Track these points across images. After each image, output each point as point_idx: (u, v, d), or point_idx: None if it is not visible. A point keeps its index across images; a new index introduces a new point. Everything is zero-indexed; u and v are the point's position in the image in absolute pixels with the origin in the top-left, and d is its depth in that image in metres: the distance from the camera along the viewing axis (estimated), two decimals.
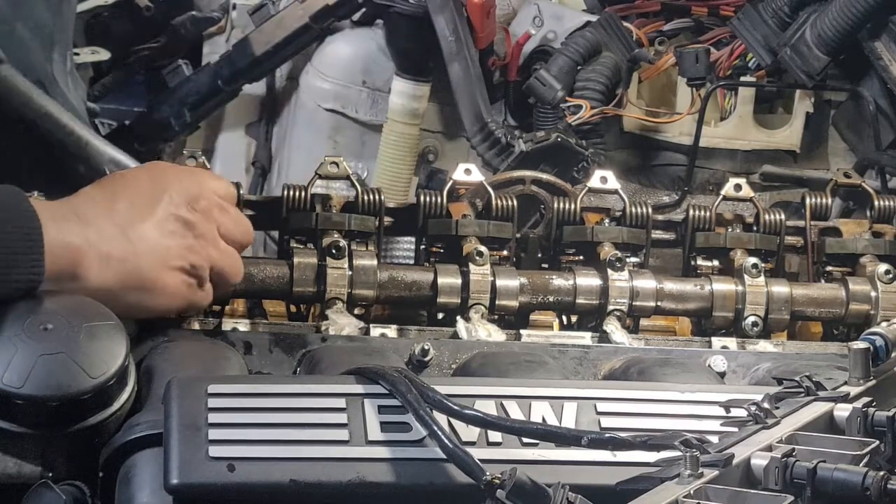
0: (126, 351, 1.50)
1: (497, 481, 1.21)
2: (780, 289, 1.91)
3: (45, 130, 1.93)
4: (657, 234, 2.02)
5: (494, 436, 1.39)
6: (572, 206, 1.97)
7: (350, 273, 1.82)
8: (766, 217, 2.00)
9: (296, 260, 1.82)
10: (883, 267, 1.94)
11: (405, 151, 2.69)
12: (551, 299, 1.89)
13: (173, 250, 1.63)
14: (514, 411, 1.43)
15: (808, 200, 2.05)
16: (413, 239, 2.00)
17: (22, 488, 1.44)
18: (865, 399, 1.43)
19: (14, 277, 1.49)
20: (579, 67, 2.57)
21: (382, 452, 1.37)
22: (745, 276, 1.90)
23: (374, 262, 1.84)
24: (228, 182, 1.78)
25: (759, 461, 1.28)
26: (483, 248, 1.86)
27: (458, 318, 1.83)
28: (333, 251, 1.82)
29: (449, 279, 1.85)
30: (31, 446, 1.46)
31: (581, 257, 1.96)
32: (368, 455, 1.36)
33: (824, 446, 1.31)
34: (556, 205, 1.98)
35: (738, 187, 2.02)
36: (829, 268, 2.01)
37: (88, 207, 1.60)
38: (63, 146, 1.94)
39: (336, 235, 1.85)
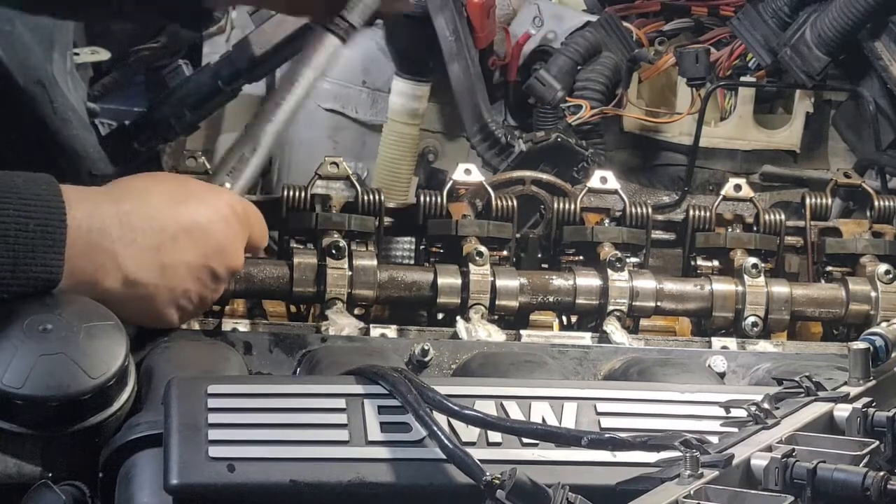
0: (126, 351, 1.50)
1: (497, 481, 1.21)
2: (780, 289, 1.91)
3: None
4: (657, 234, 2.02)
5: (494, 436, 1.39)
6: (572, 206, 1.98)
7: (350, 273, 1.82)
8: (766, 217, 2.01)
9: (296, 260, 1.82)
10: (883, 267, 1.94)
11: (405, 151, 2.69)
12: (551, 299, 1.89)
13: (191, 293, 1.63)
14: (514, 411, 1.43)
15: (808, 200, 2.05)
16: (413, 239, 2.00)
17: (22, 488, 1.43)
18: (865, 399, 1.42)
19: (30, 274, 1.49)
20: (579, 67, 2.58)
21: (382, 453, 1.37)
22: (745, 277, 1.90)
23: (374, 262, 1.84)
24: (267, 229, 1.77)
25: (759, 461, 1.27)
26: (483, 249, 1.86)
27: (458, 318, 1.83)
28: (333, 251, 1.82)
29: (449, 279, 1.85)
30: (31, 446, 1.46)
31: (581, 257, 1.96)
32: (368, 455, 1.36)
33: (824, 447, 1.31)
34: (556, 205, 1.98)
35: (738, 187, 2.02)
36: (829, 268, 2.01)
37: (138, 215, 1.58)
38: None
39: (336, 235, 1.85)
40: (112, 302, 1.55)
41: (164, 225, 1.59)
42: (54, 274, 1.50)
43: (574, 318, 1.93)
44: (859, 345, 1.52)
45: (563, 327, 1.93)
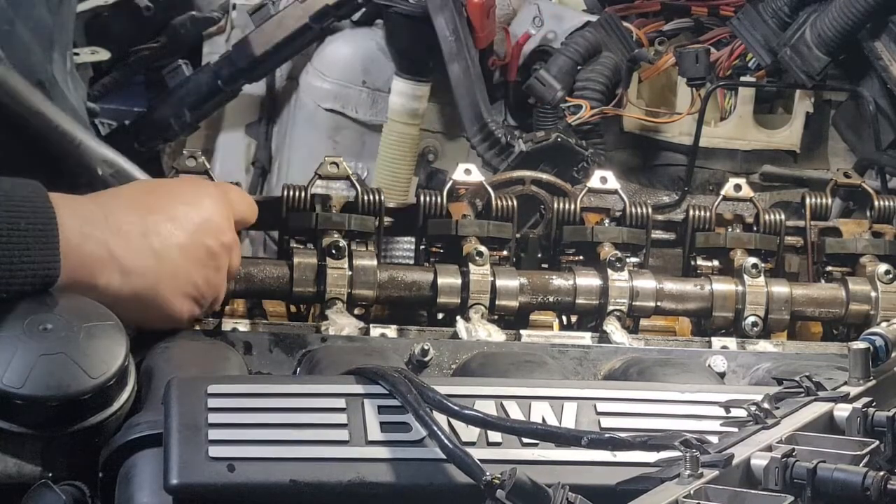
0: (126, 351, 1.50)
1: (497, 481, 1.21)
2: (780, 289, 1.91)
3: (39, 130, 1.93)
4: (657, 234, 2.02)
5: (494, 436, 1.39)
6: (572, 206, 1.98)
7: (350, 273, 1.82)
8: (766, 217, 2.01)
9: (296, 260, 1.82)
10: (883, 267, 1.94)
11: (405, 151, 2.68)
12: (551, 299, 1.89)
13: (193, 278, 1.64)
14: (514, 411, 1.43)
15: (808, 200, 2.05)
16: (413, 239, 2.00)
17: (22, 488, 1.43)
18: (865, 399, 1.43)
19: (28, 271, 1.49)
20: (579, 67, 2.57)
21: (382, 452, 1.37)
22: (745, 276, 1.90)
23: (374, 262, 1.84)
24: (253, 201, 1.80)
25: (759, 461, 1.28)
26: (483, 248, 1.86)
27: (458, 318, 1.83)
28: (333, 251, 1.82)
29: (449, 279, 1.85)
30: (31, 446, 1.46)
31: (581, 257, 1.97)
32: (368, 455, 1.36)
33: (824, 446, 1.31)
34: (556, 205, 1.98)
35: (738, 187, 2.02)
36: (829, 268, 2.01)
37: (121, 211, 1.60)
38: (57, 146, 1.94)
39: (336, 235, 1.85)
40: (118, 302, 1.55)
41: (146, 216, 1.62)
42: (52, 269, 1.50)
43: (574, 318, 1.93)
44: (859, 345, 1.52)
45: (563, 327, 1.93)
